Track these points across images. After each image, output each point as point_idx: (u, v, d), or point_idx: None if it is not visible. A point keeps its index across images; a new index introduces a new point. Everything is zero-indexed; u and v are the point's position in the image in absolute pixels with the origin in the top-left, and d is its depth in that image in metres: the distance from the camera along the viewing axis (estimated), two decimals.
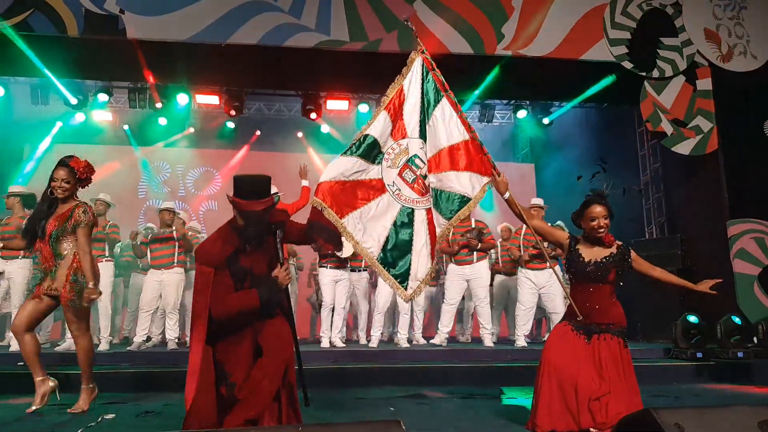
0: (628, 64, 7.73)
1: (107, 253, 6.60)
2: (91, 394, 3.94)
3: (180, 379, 4.97)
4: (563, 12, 7.66)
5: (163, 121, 10.74)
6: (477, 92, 8.80)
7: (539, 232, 3.48)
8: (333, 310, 7.04)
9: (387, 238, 3.35)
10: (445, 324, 7.01)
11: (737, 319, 6.35)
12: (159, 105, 9.41)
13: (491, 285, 8.10)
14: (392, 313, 7.88)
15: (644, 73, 7.80)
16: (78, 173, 3.95)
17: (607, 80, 8.13)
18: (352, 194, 3.34)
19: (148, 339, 6.80)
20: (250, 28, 7.22)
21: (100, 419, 3.51)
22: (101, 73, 8.83)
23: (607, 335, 3.17)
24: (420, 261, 3.38)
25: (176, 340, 6.70)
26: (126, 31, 7.01)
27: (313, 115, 9.73)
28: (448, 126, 3.58)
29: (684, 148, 7.77)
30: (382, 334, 7.29)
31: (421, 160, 3.47)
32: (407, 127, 3.53)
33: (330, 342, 6.99)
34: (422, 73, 3.63)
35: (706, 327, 6.21)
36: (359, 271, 7.35)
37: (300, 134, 11.71)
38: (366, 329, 7.64)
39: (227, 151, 11.66)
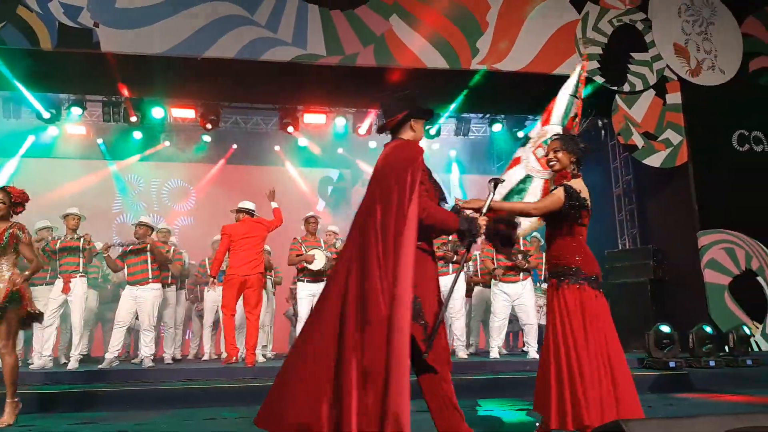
0: (599, 79, 7.88)
1: (81, 269, 6.51)
2: (16, 408, 4.05)
3: (155, 397, 4.92)
4: (537, 27, 7.79)
5: (138, 135, 10.64)
6: (453, 106, 8.90)
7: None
8: None
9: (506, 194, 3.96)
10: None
11: (709, 329, 6.46)
12: (134, 119, 9.34)
13: (470, 297, 8.15)
14: None
15: (616, 88, 7.96)
16: (13, 196, 4.15)
17: (583, 92, 8.22)
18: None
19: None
20: (226, 42, 7.22)
21: None
22: (75, 87, 8.75)
23: (568, 280, 3.14)
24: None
25: (152, 358, 6.60)
26: (100, 44, 6.97)
27: (290, 129, 9.74)
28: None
29: (655, 160, 7.92)
30: None
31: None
32: (552, 116, 4.19)
33: None
34: (577, 78, 4.37)
35: (678, 336, 6.30)
36: None
37: (277, 148, 11.69)
38: None
39: (203, 165, 11.58)
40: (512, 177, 4.03)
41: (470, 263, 8.29)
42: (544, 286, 7.69)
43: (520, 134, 10.33)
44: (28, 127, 10.18)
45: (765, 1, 8.54)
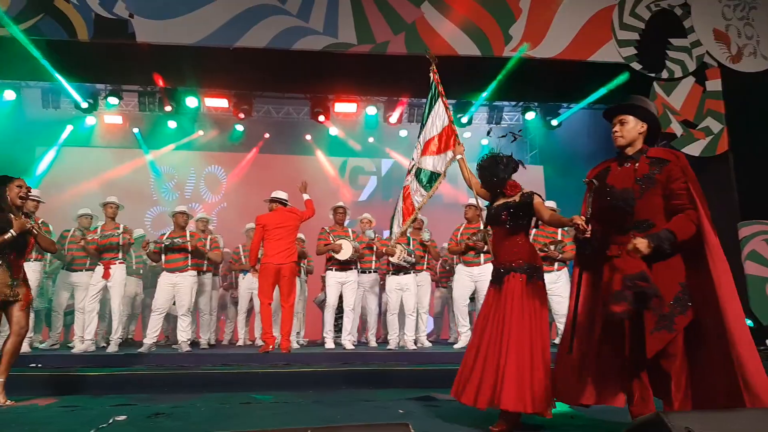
0: (636, 65, 7.71)
1: (120, 256, 6.71)
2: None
3: (192, 380, 5.02)
4: (571, 13, 7.65)
5: (172, 124, 10.82)
6: (485, 94, 8.80)
7: (478, 190, 3.89)
8: (338, 312, 7.12)
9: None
10: (463, 324, 7.00)
11: (749, 322, 6.31)
12: (168, 108, 9.48)
13: None
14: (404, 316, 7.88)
15: (653, 74, 7.77)
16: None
17: (620, 79, 8.03)
18: None
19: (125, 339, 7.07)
20: (258, 31, 7.27)
21: (111, 420, 3.53)
22: (111, 77, 8.91)
23: (512, 273, 3.41)
24: (395, 222, 4.66)
25: (188, 342, 6.75)
26: (135, 35, 7.07)
27: (321, 118, 9.78)
28: (438, 120, 4.54)
29: (694, 149, 7.73)
30: (389, 337, 7.30)
31: (412, 156, 4.66)
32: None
33: (336, 343, 7.02)
34: (431, 84, 4.63)
35: None
36: (368, 272, 7.38)
37: (308, 137, 11.74)
38: (376, 331, 7.66)
39: (236, 154, 11.71)
40: None
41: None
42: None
43: (554, 122, 10.17)
44: (67, 117, 10.44)
45: None
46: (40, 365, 5.54)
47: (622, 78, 7.99)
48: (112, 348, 6.53)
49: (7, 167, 8.25)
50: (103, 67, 8.02)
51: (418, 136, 4.67)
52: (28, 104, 10.00)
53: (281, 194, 6.84)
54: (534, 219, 3.55)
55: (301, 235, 7.64)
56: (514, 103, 10.53)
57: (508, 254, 3.46)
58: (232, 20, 7.26)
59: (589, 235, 2.97)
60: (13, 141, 9.87)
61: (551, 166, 11.91)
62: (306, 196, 6.81)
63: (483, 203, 3.98)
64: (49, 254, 6.37)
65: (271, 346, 6.33)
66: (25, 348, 6.36)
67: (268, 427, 2.92)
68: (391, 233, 4.75)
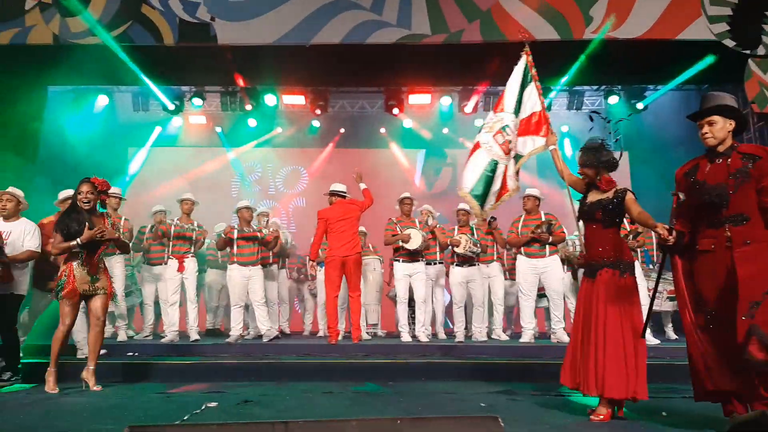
0: (729, 42, 7.22)
1: (192, 250, 7.00)
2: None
3: (274, 370, 5.17)
4: None
5: (252, 122, 11.16)
6: (565, 78, 8.50)
7: (571, 181, 3.91)
8: (409, 305, 7.12)
9: (478, 178, 4.49)
10: (528, 320, 6.84)
11: None
12: (249, 107, 9.78)
13: (576, 279, 7.83)
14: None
15: (748, 51, 7.25)
16: (98, 187, 4.53)
17: (707, 61, 7.59)
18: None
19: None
20: (333, 27, 7.35)
21: (203, 407, 3.69)
22: (195, 79, 9.28)
23: (605, 269, 3.49)
24: (491, 195, 4.51)
25: (270, 330, 6.96)
26: (217, 37, 7.33)
27: (395, 111, 9.79)
28: (528, 103, 4.53)
29: None
30: (466, 329, 7.25)
31: (511, 130, 4.51)
32: (505, 104, 4.56)
33: (413, 336, 7.02)
34: (524, 67, 4.59)
35: None
36: (433, 264, 7.32)
37: (383, 130, 11.78)
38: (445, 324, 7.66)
39: (314, 149, 11.92)
40: (478, 162, 4.50)
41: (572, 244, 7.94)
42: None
43: (640, 105, 9.70)
44: (156, 119, 10.98)
45: None
46: (136, 354, 5.88)
47: (712, 57, 7.51)
48: (193, 336, 6.79)
49: (101, 168, 8.84)
50: (188, 69, 8.36)
51: (515, 114, 4.56)
52: (120, 108, 10.61)
53: (340, 187, 6.91)
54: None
55: (362, 228, 7.70)
56: (595, 87, 10.14)
57: (600, 250, 3.55)
58: (307, 18, 7.38)
59: (671, 243, 3.05)
60: (108, 143, 10.48)
61: (636, 152, 11.36)
62: (362, 186, 6.87)
63: (563, 192, 3.91)
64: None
65: (334, 340, 6.40)
66: (122, 337, 6.83)
67: (352, 416, 2.95)
68: (479, 195, 4.51)
